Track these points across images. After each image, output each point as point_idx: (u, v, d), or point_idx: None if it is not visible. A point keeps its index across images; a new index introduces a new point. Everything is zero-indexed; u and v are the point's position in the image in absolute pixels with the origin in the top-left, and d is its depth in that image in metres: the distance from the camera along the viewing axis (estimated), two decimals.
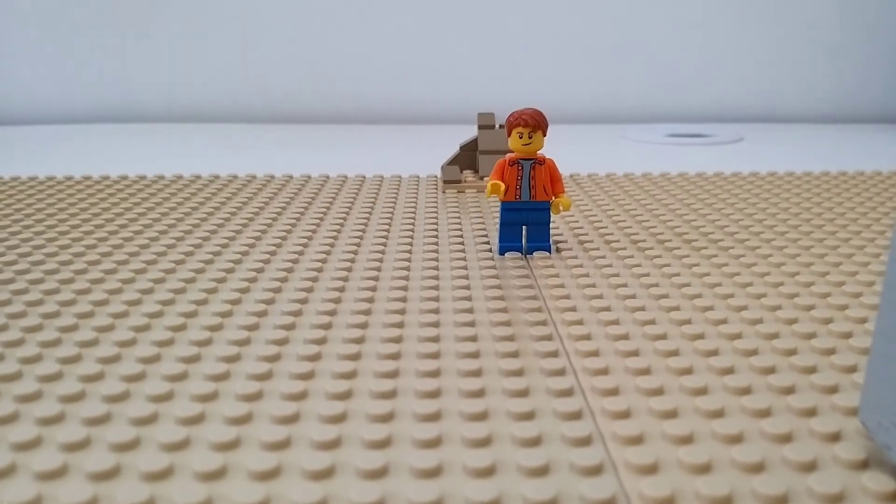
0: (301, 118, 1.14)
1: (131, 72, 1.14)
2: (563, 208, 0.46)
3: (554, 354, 0.33)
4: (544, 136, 0.45)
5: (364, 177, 0.72)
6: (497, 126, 0.71)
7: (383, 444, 0.27)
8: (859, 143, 0.99)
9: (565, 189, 0.47)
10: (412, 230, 0.53)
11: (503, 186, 0.45)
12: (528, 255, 0.47)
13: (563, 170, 0.47)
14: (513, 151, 0.46)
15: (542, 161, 0.46)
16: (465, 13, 1.14)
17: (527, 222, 0.47)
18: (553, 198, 0.46)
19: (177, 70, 1.14)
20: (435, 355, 0.33)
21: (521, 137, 0.44)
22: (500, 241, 0.48)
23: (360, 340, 0.35)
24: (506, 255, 0.47)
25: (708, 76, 1.17)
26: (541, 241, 0.48)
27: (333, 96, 1.15)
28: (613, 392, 0.30)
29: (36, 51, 1.12)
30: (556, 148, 0.47)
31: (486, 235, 0.52)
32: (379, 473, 0.25)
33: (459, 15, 1.14)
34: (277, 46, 1.13)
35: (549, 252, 0.48)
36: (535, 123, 0.44)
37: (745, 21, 1.15)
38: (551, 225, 0.48)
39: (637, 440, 0.27)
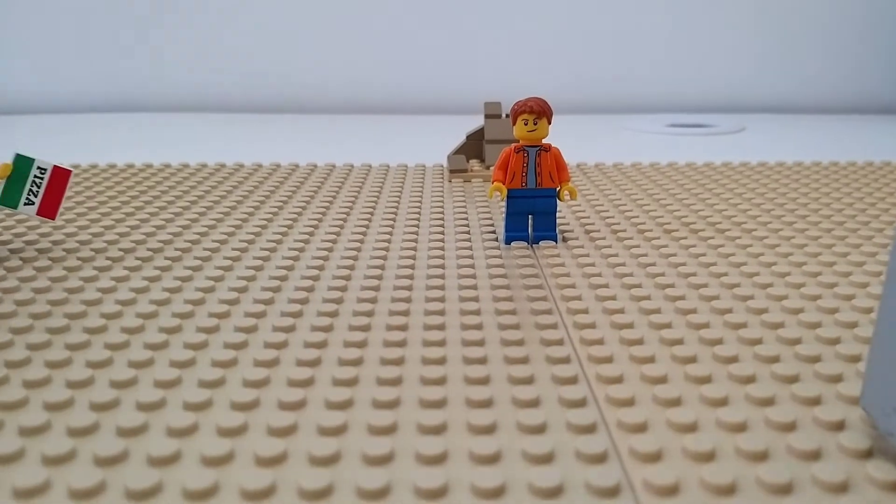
0: (307, 108, 1.14)
1: (140, 61, 1.14)
2: (570, 196, 0.46)
3: (559, 343, 0.33)
4: (549, 123, 0.45)
5: (370, 166, 0.72)
6: (503, 116, 0.70)
7: (389, 430, 0.27)
8: (863, 134, 0.98)
9: (571, 177, 0.48)
10: (418, 219, 0.53)
11: (504, 189, 0.46)
12: (533, 245, 0.47)
13: (566, 160, 0.47)
14: (518, 141, 0.46)
15: (547, 148, 0.46)
16: (473, 4, 1.14)
17: (533, 210, 0.47)
18: (559, 185, 0.46)
19: (183, 59, 1.14)
20: (440, 343, 0.33)
21: (526, 124, 0.45)
22: (507, 230, 0.48)
23: (366, 328, 0.35)
24: (511, 244, 0.47)
25: (710, 66, 1.16)
26: (547, 230, 0.48)
27: (340, 86, 1.14)
28: (618, 380, 0.30)
29: (38, 41, 1.12)
30: (557, 138, 0.47)
31: (492, 225, 0.52)
32: (385, 460, 0.25)
33: (466, 6, 1.14)
34: (284, 36, 1.13)
35: (556, 241, 0.48)
36: (539, 110, 0.44)
37: (747, 11, 1.14)
38: (557, 215, 0.48)
39: (641, 428, 0.27)
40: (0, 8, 1.11)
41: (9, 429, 0.27)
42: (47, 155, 0.47)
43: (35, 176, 0.43)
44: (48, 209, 0.44)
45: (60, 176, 0.45)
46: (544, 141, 0.46)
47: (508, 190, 0.46)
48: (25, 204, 0.43)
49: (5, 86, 1.13)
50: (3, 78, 1.13)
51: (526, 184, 0.46)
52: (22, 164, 0.44)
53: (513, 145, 0.46)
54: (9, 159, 0.44)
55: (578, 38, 1.15)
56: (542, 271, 0.43)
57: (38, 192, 0.43)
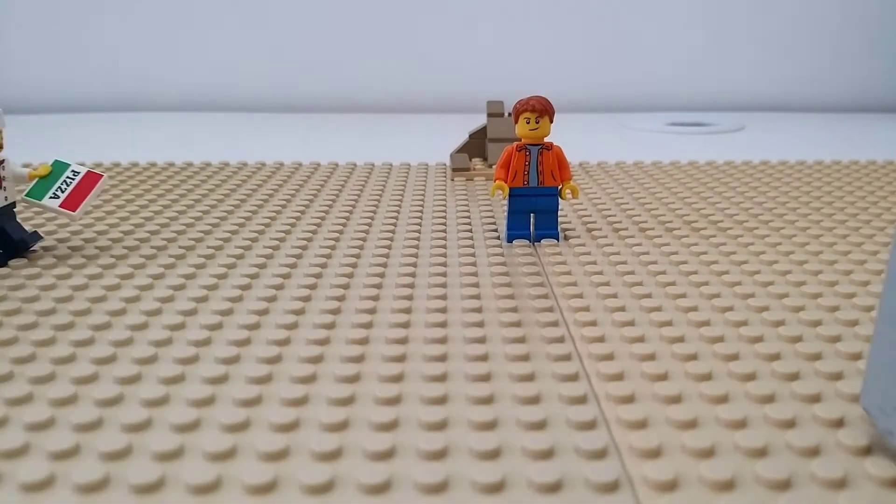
0: (310, 107, 1.14)
1: (140, 61, 1.14)
2: (572, 194, 0.46)
3: (560, 340, 0.33)
4: (551, 122, 0.45)
5: (373, 165, 0.72)
6: (506, 114, 0.71)
7: (391, 426, 0.27)
8: (865, 132, 0.98)
9: (573, 176, 0.48)
10: (420, 218, 0.53)
11: (506, 188, 0.46)
12: (535, 243, 0.48)
13: (568, 158, 0.47)
14: (521, 139, 0.46)
15: (549, 147, 0.46)
16: (473, 4, 1.14)
17: (535, 209, 0.47)
18: (561, 184, 0.47)
19: (183, 59, 1.14)
20: (442, 340, 0.33)
21: (528, 122, 0.45)
22: (508, 228, 0.48)
23: (368, 325, 0.35)
24: (513, 242, 0.47)
25: (709, 65, 1.16)
26: (549, 228, 0.48)
27: (342, 84, 1.15)
28: (618, 377, 0.30)
29: (38, 41, 1.13)
30: (559, 136, 0.47)
31: (494, 223, 0.52)
32: (386, 455, 0.25)
33: (467, 6, 1.14)
34: (285, 34, 1.13)
35: (557, 240, 0.48)
36: (541, 108, 0.44)
37: (746, 9, 1.14)
38: (559, 213, 0.48)
39: (641, 424, 0.27)
40: (0, 8, 1.11)
41: (15, 424, 0.27)
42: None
43: (67, 177, 0.44)
44: (71, 203, 0.44)
45: (91, 178, 0.45)
46: (546, 139, 0.46)
47: (510, 188, 0.46)
48: (51, 198, 0.44)
49: (6, 86, 1.13)
50: (3, 78, 1.13)
51: (528, 182, 0.46)
52: (59, 167, 0.45)
53: (515, 144, 0.46)
54: (29, 160, 0.45)
55: (580, 37, 1.15)
56: (544, 269, 0.43)
57: (65, 189, 0.44)
